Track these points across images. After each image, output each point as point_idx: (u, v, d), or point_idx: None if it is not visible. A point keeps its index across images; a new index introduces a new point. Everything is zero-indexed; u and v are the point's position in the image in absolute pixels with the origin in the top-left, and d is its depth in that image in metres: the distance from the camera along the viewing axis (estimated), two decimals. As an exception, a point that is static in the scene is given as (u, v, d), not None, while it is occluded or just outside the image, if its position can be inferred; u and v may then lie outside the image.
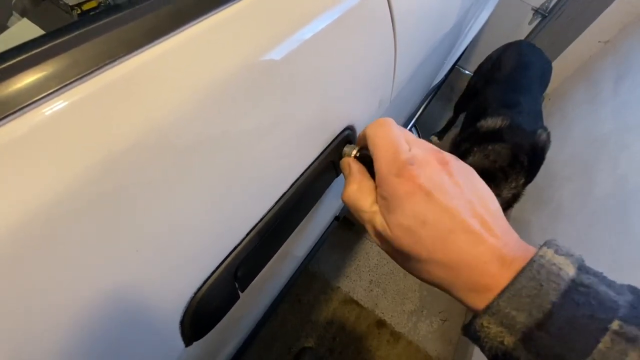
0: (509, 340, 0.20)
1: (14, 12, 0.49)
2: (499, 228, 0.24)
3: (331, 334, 1.26)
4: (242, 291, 0.30)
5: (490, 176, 1.03)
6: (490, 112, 1.13)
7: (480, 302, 0.22)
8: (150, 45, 0.20)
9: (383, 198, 0.26)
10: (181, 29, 0.21)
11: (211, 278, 0.25)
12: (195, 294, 0.24)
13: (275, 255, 0.37)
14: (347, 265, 1.43)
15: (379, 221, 0.26)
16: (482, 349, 0.22)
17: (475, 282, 0.22)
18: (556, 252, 0.21)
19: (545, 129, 1.10)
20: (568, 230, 1.13)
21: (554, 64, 1.74)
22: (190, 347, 0.27)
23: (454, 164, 0.26)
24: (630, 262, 0.85)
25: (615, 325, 0.18)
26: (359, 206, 0.28)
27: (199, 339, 0.27)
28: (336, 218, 0.73)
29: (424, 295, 1.41)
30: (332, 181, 0.39)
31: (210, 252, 0.25)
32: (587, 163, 1.27)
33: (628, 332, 0.18)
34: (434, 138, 1.88)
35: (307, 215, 0.43)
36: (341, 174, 0.39)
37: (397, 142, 0.27)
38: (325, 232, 0.69)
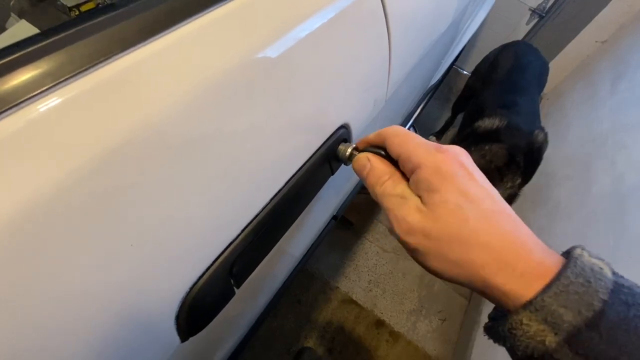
0: (551, 339, 0.18)
1: (12, 14, 0.50)
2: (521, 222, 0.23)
3: (330, 334, 1.26)
4: (238, 287, 0.30)
5: (486, 176, 1.03)
6: (488, 112, 1.13)
7: (520, 291, 0.20)
8: (144, 43, 0.20)
9: (424, 179, 0.24)
10: (175, 27, 0.21)
11: (206, 274, 0.25)
12: (191, 289, 0.25)
13: (272, 253, 0.38)
14: (346, 265, 1.43)
15: (414, 204, 0.24)
16: (514, 349, 0.20)
17: (523, 268, 0.20)
18: (589, 254, 0.20)
19: (542, 129, 1.10)
20: (566, 229, 1.14)
21: (552, 64, 1.75)
22: (186, 343, 0.27)
23: (465, 157, 0.26)
24: (628, 260, 0.85)
25: None
26: (389, 192, 0.26)
27: (195, 334, 0.27)
28: (334, 217, 0.74)
29: (422, 295, 1.41)
30: (328, 179, 0.39)
31: (206, 248, 0.25)
32: (584, 162, 1.27)
33: None
34: (433, 138, 1.89)
35: (303, 214, 0.44)
36: (337, 172, 0.39)
37: (420, 138, 0.27)
38: (323, 231, 0.69)
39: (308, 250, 0.65)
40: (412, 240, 0.24)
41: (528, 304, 0.19)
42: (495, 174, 1.02)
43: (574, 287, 0.19)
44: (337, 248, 1.45)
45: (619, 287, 0.19)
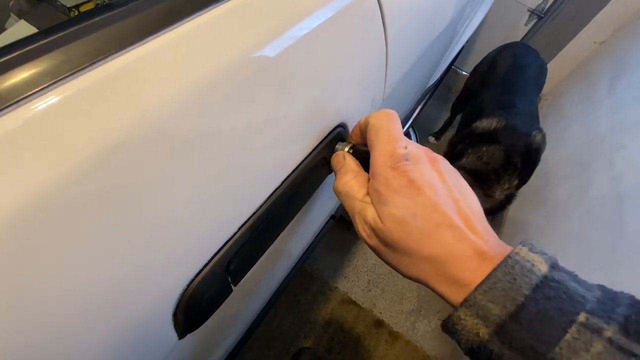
0: (484, 331, 0.21)
1: (11, 14, 0.50)
2: (481, 227, 0.25)
3: (329, 334, 1.26)
4: (235, 285, 0.30)
5: (482, 177, 1.03)
6: (486, 113, 1.14)
7: (459, 295, 0.23)
8: (143, 42, 0.20)
9: (376, 190, 0.26)
10: (174, 26, 0.22)
11: (203, 271, 0.26)
12: (188, 286, 0.25)
13: (269, 252, 0.38)
14: (345, 265, 1.43)
15: (371, 213, 0.27)
16: (459, 343, 0.23)
17: (456, 276, 0.23)
18: (530, 250, 0.22)
19: (540, 130, 1.11)
20: (564, 229, 1.14)
21: (550, 64, 1.75)
22: (183, 341, 0.28)
23: (442, 163, 0.28)
24: (626, 260, 0.85)
25: (582, 317, 0.19)
26: (352, 194, 0.28)
27: (192, 331, 0.27)
28: (332, 217, 0.74)
29: (421, 295, 1.41)
30: (325, 178, 0.39)
31: (203, 245, 0.26)
32: (583, 163, 1.28)
33: (593, 323, 0.19)
34: (431, 139, 1.89)
35: (301, 213, 0.44)
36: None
37: (397, 137, 0.28)
38: (321, 231, 0.69)
39: (306, 250, 0.65)
40: (371, 242, 0.27)
41: (464, 302, 0.22)
42: (492, 175, 1.03)
43: (501, 284, 0.21)
44: (336, 248, 1.45)
45: (546, 282, 0.21)
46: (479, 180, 1.03)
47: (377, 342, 1.28)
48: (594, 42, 1.83)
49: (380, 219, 0.26)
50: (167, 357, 0.27)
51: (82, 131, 0.18)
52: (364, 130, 0.32)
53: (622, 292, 0.21)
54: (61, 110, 0.17)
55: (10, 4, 0.49)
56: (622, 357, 0.18)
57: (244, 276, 0.32)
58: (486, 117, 1.11)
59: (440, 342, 1.31)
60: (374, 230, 0.26)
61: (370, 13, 0.37)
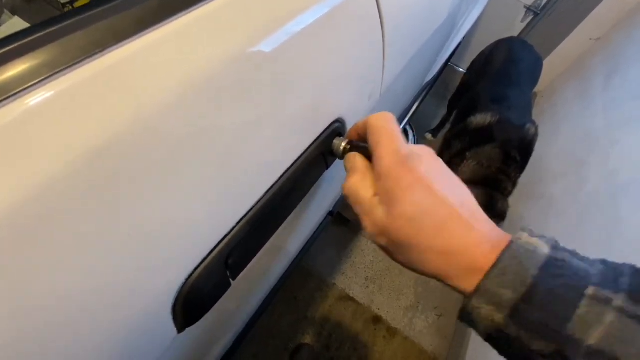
0: (499, 317, 0.21)
1: (5, 11, 0.49)
2: (483, 217, 0.26)
3: (327, 331, 1.27)
4: (234, 279, 0.31)
5: (494, 182, 1.02)
6: (480, 108, 1.14)
7: (474, 283, 0.23)
8: (139, 35, 0.20)
9: (386, 190, 0.26)
10: (171, 19, 0.22)
11: (202, 265, 0.26)
12: (187, 279, 0.25)
13: (268, 247, 0.38)
14: (343, 262, 1.43)
15: (380, 213, 0.26)
16: (479, 332, 0.23)
17: (469, 265, 0.23)
18: (530, 234, 0.23)
19: (533, 122, 1.11)
20: (559, 225, 1.15)
21: (546, 61, 1.76)
22: (183, 334, 0.28)
23: (441, 161, 0.29)
24: (620, 255, 0.86)
25: (590, 290, 0.20)
26: (361, 196, 0.28)
27: (191, 325, 0.28)
28: (330, 213, 0.74)
29: (419, 291, 1.42)
30: (323, 173, 0.40)
31: (201, 239, 0.26)
32: (578, 158, 1.28)
33: (602, 295, 0.20)
34: (429, 135, 1.90)
35: (299, 208, 0.44)
36: (331, 166, 0.40)
37: (399, 137, 0.28)
38: (319, 227, 0.69)
39: (304, 246, 0.65)
40: (380, 240, 0.27)
41: (476, 290, 0.22)
42: (500, 175, 1.02)
43: (510, 269, 0.22)
44: (333, 245, 1.45)
45: (551, 262, 0.21)
46: (491, 186, 1.02)
47: (375, 338, 1.29)
48: (590, 39, 1.84)
49: (391, 218, 0.26)
50: (167, 351, 0.27)
51: (79, 125, 0.17)
52: (361, 131, 0.32)
53: (623, 263, 0.22)
54: (58, 103, 0.17)
55: (4, 0, 0.48)
56: (634, 324, 0.18)
57: (242, 270, 0.32)
58: (480, 112, 1.11)
59: (438, 338, 1.32)
60: (384, 230, 0.26)
61: (368, 8, 0.37)
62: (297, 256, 0.64)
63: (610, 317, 0.19)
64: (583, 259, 0.22)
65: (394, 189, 0.26)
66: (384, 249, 0.28)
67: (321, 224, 0.70)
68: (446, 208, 0.24)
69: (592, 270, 0.21)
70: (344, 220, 1.46)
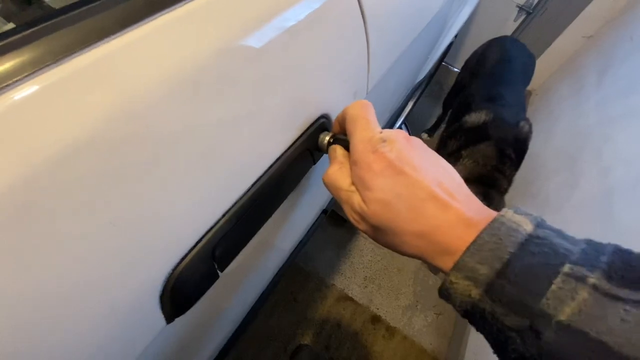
0: (475, 292, 0.22)
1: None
2: (462, 195, 0.26)
3: (327, 331, 1.27)
4: (222, 271, 0.31)
5: (489, 179, 1.03)
6: (474, 106, 1.15)
7: (451, 263, 0.23)
8: (123, 32, 0.21)
9: (359, 176, 0.27)
10: (154, 16, 0.22)
11: (189, 255, 0.26)
12: (174, 269, 0.26)
13: (258, 242, 0.39)
14: (342, 262, 1.44)
15: (357, 200, 0.27)
16: (455, 307, 0.24)
17: (445, 245, 0.24)
18: (516, 212, 0.23)
19: (527, 120, 1.12)
20: (554, 222, 1.13)
21: (539, 59, 1.77)
22: (172, 326, 0.28)
23: (416, 141, 0.29)
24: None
25: (566, 268, 0.20)
26: (339, 185, 0.29)
27: (180, 315, 0.28)
28: (324, 211, 0.75)
29: (417, 290, 1.42)
30: (310, 168, 0.40)
31: (187, 231, 0.26)
32: (572, 156, 1.29)
33: (577, 272, 0.20)
34: (424, 135, 1.91)
35: (289, 204, 0.45)
36: (318, 162, 0.41)
37: (373, 123, 0.29)
38: (313, 225, 0.70)
39: (298, 244, 0.66)
40: (361, 227, 0.28)
41: (454, 266, 0.23)
42: (495, 173, 1.03)
43: (488, 245, 0.22)
44: (331, 245, 1.46)
45: (531, 239, 0.21)
46: (487, 183, 1.03)
47: (374, 338, 1.29)
48: (582, 37, 1.86)
49: (366, 204, 0.26)
50: (156, 341, 0.28)
51: (64, 119, 0.18)
52: (342, 122, 0.33)
53: (608, 243, 0.22)
54: (40, 99, 0.18)
55: (-1, 7, 0.49)
56: (606, 301, 0.18)
57: (229, 262, 0.32)
58: (474, 111, 1.12)
59: (437, 337, 1.32)
60: (362, 216, 0.27)
61: (349, 7, 0.38)
62: (291, 254, 0.65)
63: (583, 294, 0.19)
64: (567, 238, 0.22)
65: (365, 176, 0.26)
66: (364, 232, 0.28)
67: (315, 221, 0.71)
68: (421, 190, 0.25)
69: (573, 249, 0.21)
70: (341, 220, 1.47)
